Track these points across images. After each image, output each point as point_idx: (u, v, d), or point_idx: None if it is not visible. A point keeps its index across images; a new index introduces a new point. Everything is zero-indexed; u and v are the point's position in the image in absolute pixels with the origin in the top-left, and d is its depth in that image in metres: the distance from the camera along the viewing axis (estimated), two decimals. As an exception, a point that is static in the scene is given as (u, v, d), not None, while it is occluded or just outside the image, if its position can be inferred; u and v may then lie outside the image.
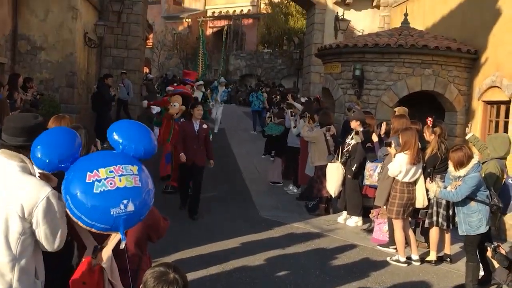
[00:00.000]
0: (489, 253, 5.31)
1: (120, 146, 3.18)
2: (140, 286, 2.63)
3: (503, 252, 5.10)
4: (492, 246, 5.16)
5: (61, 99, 14.30)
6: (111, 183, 2.98)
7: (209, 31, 43.58)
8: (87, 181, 2.97)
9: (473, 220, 6.53)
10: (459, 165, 6.55)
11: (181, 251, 7.20)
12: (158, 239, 3.83)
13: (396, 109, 10.00)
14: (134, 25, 18.59)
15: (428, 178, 7.19)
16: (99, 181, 2.97)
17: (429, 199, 7.52)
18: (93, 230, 2.96)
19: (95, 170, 3.01)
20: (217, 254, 7.22)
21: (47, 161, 3.01)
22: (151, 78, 24.95)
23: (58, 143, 3.07)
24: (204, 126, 9.29)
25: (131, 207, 2.98)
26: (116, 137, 3.20)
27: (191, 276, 6.45)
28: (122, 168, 3.03)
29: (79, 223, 2.95)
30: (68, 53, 14.43)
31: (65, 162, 3.06)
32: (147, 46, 32.05)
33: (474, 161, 6.57)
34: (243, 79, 38.57)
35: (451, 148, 6.98)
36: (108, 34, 17.73)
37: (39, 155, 3.01)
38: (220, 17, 45.34)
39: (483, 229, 6.52)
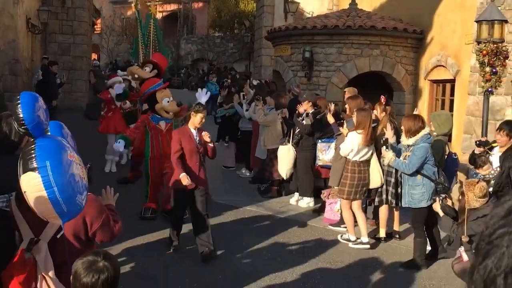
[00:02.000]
0: (436, 205, 5.68)
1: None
2: (71, 277, 2.56)
3: (449, 204, 5.34)
4: (440, 197, 5.40)
5: (5, 87, 13.84)
6: (82, 171, 3.01)
7: (158, 16, 42.84)
8: (68, 157, 2.95)
9: (416, 193, 6.66)
10: (408, 132, 6.66)
11: (135, 237, 7.10)
12: (107, 240, 3.77)
13: (346, 89, 10.09)
14: (80, 10, 18.12)
15: (384, 146, 7.19)
16: (74, 163, 2.98)
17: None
18: (49, 207, 2.87)
19: (70, 152, 2.99)
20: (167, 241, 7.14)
21: None
22: (97, 65, 24.43)
23: None
24: (203, 133, 6.80)
25: (84, 201, 2.98)
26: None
27: (146, 260, 6.41)
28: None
29: (43, 193, 2.85)
30: (10, 39, 13.95)
31: None
32: (94, 32, 31.32)
33: (424, 131, 6.69)
34: (195, 64, 38.22)
35: (404, 117, 7.17)
36: (52, 19, 17.23)
37: None
38: (170, 0, 44.64)
39: (424, 203, 6.66)
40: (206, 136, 6.64)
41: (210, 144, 6.77)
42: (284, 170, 9.47)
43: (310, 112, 9.22)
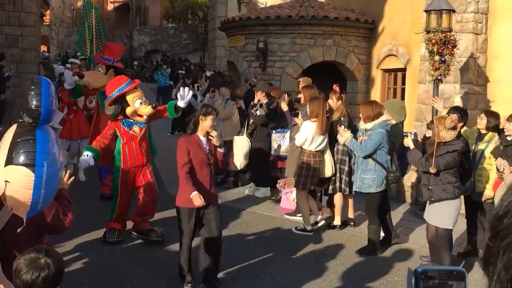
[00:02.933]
0: (407, 140, 6.10)
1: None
2: (13, 275, 2.51)
3: (419, 139, 6.16)
4: (412, 132, 6.26)
5: (-51, 82, 13.32)
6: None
7: (110, 6, 42.06)
8: (61, 160, 2.92)
9: (367, 177, 6.78)
10: (367, 118, 6.75)
11: (90, 232, 6.98)
12: (57, 233, 3.69)
13: (300, 79, 10.15)
14: (27, 1, 17.57)
15: (342, 126, 7.25)
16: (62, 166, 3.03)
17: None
18: (26, 204, 2.84)
19: (61, 151, 3.01)
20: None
21: None
22: (47, 57, 23.80)
23: None
24: (212, 133, 5.74)
25: None
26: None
27: (99, 255, 6.31)
28: None
29: (29, 192, 2.78)
30: (-47, 32, 13.42)
31: None
32: (43, 24, 30.47)
33: (383, 118, 6.81)
34: (148, 55, 37.71)
35: (363, 103, 7.30)
36: (-2, 10, 16.65)
37: None
38: (121, -9, 43.83)
39: (374, 189, 6.78)
40: (215, 140, 5.65)
41: (219, 150, 5.83)
42: (239, 161, 9.47)
43: (264, 102, 9.25)
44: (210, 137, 5.65)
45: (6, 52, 16.39)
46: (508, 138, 6.32)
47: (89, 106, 10.07)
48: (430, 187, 5.81)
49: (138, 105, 6.80)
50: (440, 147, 5.69)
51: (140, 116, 6.86)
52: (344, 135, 7.03)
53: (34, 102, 2.97)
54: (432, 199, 5.83)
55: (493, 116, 6.69)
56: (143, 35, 38.59)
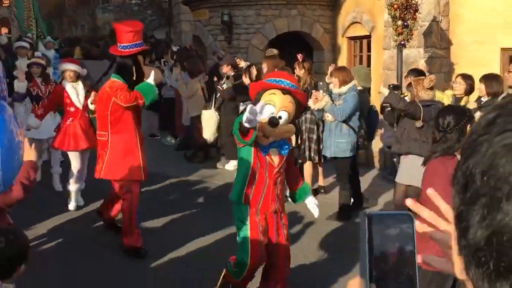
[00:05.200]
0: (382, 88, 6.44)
1: None
2: None
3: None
4: (391, 85, 6.70)
5: None
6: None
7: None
8: (18, 137, 2.89)
9: (342, 142, 6.84)
10: (344, 82, 6.76)
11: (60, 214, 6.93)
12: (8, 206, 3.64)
13: (267, 51, 10.13)
14: (-17, -18, 17.05)
15: (321, 90, 7.25)
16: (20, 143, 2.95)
17: (301, 138, 7.75)
18: None
19: (18, 130, 2.93)
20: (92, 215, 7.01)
21: None
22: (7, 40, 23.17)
23: None
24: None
25: None
26: None
27: (72, 234, 6.28)
28: None
29: None
30: None
31: None
32: (3, 5, 29.66)
33: (354, 82, 6.87)
34: (114, 34, 37.05)
35: (334, 68, 7.37)
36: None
37: None
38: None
39: (348, 153, 6.89)
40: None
41: None
42: (208, 135, 9.46)
43: (231, 75, 9.21)
44: None
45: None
46: (483, 99, 6.41)
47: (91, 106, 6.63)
48: (402, 141, 5.92)
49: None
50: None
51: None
52: (324, 100, 6.94)
53: None
54: (402, 152, 5.93)
55: (470, 79, 6.73)
56: (107, 13, 37.89)
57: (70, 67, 7.09)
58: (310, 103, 7.08)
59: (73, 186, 7.19)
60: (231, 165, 9.41)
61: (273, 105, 4.01)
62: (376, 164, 9.70)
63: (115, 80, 5.65)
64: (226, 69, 9.30)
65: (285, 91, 4.05)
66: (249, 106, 3.62)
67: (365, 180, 8.45)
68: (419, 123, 5.86)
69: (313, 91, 7.25)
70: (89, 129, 6.99)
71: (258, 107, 3.64)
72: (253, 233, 4.30)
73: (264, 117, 3.88)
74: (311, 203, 4.61)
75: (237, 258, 4.46)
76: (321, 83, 7.69)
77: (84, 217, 6.99)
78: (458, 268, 0.76)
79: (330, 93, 7.11)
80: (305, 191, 4.67)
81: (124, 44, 5.61)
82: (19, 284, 3.02)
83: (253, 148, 4.13)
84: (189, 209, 7.32)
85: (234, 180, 4.42)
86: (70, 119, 7.02)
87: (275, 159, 4.22)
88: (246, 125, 3.68)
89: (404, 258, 0.79)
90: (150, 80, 5.63)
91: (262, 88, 4.14)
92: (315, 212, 4.63)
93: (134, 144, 5.77)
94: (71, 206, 7.20)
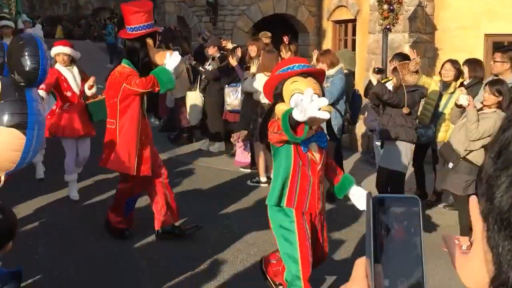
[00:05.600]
0: (372, 75, 6.49)
1: None
2: None
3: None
4: (376, 69, 6.89)
5: None
6: None
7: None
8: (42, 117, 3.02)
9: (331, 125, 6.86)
10: (332, 65, 6.74)
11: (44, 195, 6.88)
12: None
13: (261, 34, 10.02)
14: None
15: None
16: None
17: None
18: (10, 166, 2.83)
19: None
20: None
21: None
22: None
23: None
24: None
25: None
26: None
27: (55, 216, 6.25)
28: None
29: (17, 154, 2.79)
30: None
31: None
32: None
33: (340, 65, 6.87)
34: (96, 13, 36.60)
35: (319, 53, 7.27)
36: None
37: None
38: None
39: (336, 137, 6.93)
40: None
41: None
42: (193, 117, 9.43)
43: (217, 56, 9.17)
44: None
45: None
46: (465, 83, 6.50)
47: (88, 91, 6.39)
48: (389, 128, 5.96)
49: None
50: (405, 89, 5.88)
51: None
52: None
53: (31, 64, 2.85)
54: (389, 138, 5.98)
55: (458, 64, 6.78)
56: (89, -8, 37.35)
57: (63, 50, 6.54)
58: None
59: (69, 176, 6.83)
60: (215, 147, 9.41)
61: (301, 93, 3.48)
62: (359, 147, 9.76)
63: (125, 65, 5.24)
64: (212, 51, 9.25)
65: (305, 75, 3.70)
66: (300, 97, 3.26)
67: (348, 164, 8.51)
68: (406, 110, 5.91)
69: None
70: (85, 115, 6.57)
71: (308, 95, 3.20)
72: (302, 239, 3.81)
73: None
74: (356, 194, 4.00)
75: (286, 272, 3.91)
76: None
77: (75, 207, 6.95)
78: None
79: None
80: (348, 180, 4.10)
81: (131, 26, 5.17)
82: (6, 263, 3.03)
83: (292, 146, 3.74)
84: (173, 191, 7.31)
85: (272, 184, 4.00)
86: (67, 104, 6.50)
87: (316, 155, 3.84)
88: (301, 116, 3.22)
89: (410, 239, 0.80)
90: (170, 65, 5.10)
91: (279, 81, 3.72)
92: (359, 204, 3.97)
93: (145, 135, 5.39)
94: (73, 195, 6.85)
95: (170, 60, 5.10)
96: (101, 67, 16.19)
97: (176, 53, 5.19)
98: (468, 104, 5.34)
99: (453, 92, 6.57)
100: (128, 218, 5.79)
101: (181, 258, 5.28)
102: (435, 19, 9.83)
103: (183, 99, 9.72)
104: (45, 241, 5.66)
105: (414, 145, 6.11)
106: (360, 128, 9.37)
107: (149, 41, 5.24)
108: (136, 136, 5.31)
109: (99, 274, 4.97)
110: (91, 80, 6.27)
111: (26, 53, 2.89)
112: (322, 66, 6.77)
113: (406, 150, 6.00)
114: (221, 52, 9.26)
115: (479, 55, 9.08)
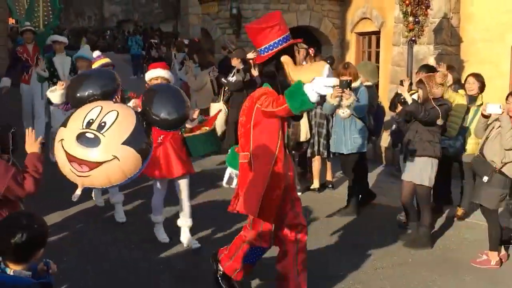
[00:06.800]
0: (403, 90, 6.30)
1: None
2: None
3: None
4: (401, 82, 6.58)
5: None
6: None
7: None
8: None
9: (358, 138, 6.82)
10: (356, 77, 6.72)
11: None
12: (21, 196, 3.70)
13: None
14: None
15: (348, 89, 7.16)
16: None
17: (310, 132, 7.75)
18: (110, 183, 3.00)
19: None
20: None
21: None
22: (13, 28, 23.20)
23: None
24: None
25: None
26: None
27: (83, 226, 6.30)
28: None
29: (122, 179, 2.99)
30: None
31: None
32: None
33: (361, 78, 6.88)
34: (120, 25, 37.08)
35: (342, 66, 7.10)
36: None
37: None
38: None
39: (364, 148, 6.92)
40: None
41: None
42: (217, 128, 9.44)
43: (241, 68, 9.22)
44: None
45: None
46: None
47: None
48: (415, 143, 5.90)
49: None
50: (434, 102, 5.85)
51: None
52: (349, 99, 6.70)
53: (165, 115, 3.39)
54: (414, 154, 5.91)
55: (481, 77, 6.82)
56: (114, 5, 37.88)
57: (163, 75, 5.93)
58: (330, 98, 6.71)
59: (156, 218, 5.98)
60: (239, 158, 9.41)
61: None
62: (383, 160, 9.70)
63: (266, 88, 4.25)
64: (235, 62, 9.30)
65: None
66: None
67: (373, 176, 8.45)
68: (440, 121, 5.86)
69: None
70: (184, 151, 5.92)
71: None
72: None
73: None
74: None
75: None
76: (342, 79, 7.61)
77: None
78: None
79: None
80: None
81: (261, 48, 4.19)
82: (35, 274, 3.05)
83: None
84: (194, 201, 7.34)
85: None
86: (161, 136, 5.62)
87: None
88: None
89: None
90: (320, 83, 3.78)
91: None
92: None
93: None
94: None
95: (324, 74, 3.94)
96: (125, 79, 16.37)
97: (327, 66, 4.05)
98: (502, 112, 5.26)
99: (481, 104, 6.49)
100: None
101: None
102: (460, 31, 9.77)
103: (206, 111, 9.76)
104: (75, 250, 5.71)
105: (437, 159, 6.02)
106: (384, 140, 9.31)
107: (285, 59, 4.16)
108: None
109: (129, 285, 4.99)
110: (132, 102, 5.48)
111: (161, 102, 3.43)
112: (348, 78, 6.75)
113: (432, 165, 5.94)
114: (245, 64, 9.30)
115: (505, 67, 9.00)
